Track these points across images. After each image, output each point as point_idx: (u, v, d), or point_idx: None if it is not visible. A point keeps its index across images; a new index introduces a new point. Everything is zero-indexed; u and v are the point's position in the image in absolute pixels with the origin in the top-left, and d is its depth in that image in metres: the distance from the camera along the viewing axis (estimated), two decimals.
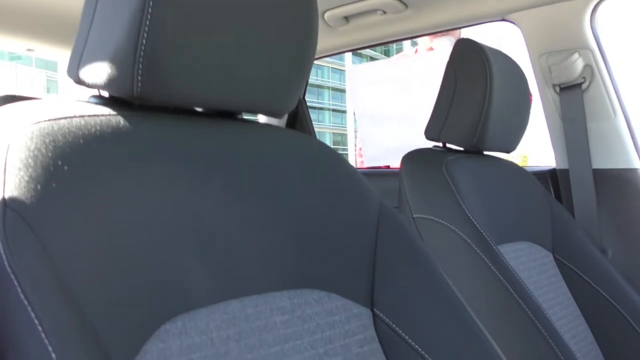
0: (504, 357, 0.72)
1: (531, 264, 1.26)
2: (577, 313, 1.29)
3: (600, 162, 1.44)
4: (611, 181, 1.43)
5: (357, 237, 0.73)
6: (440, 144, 1.28)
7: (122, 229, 0.51)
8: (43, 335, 0.39)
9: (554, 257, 1.34)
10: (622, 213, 1.42)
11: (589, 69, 1.42)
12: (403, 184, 1.19)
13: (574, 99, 1.45)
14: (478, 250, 1.06)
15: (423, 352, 0.70)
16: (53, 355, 0.39)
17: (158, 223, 0.54)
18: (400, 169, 1.22)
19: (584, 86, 1.44)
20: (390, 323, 0.71)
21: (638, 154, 1.42)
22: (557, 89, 1.48)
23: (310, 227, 0.69)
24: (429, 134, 1.26)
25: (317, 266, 0.68)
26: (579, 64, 1.42)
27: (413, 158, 1.22)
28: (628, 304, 1.28)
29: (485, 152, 1.34)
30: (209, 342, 0.55)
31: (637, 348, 1.24)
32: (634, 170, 1.42)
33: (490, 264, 1.05)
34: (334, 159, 0.76)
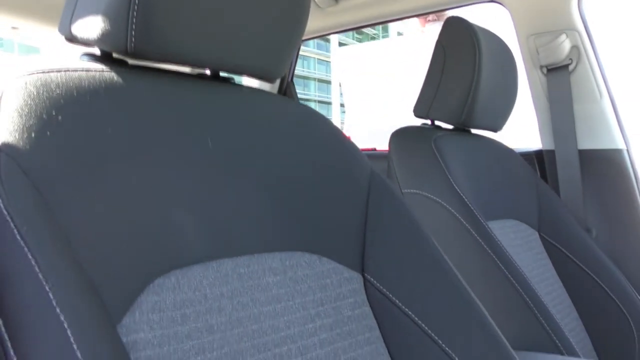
0: (492, 322, 0.73)
1: (517, 242, 1.28)
2: (561, 290, 1.31)
3: (586, 143, 1.46)
4: (596, 162, 1.45)
5: (348, 203, 0.73)
6: (429, 122, 1.29)
7: (116, 183, 0.51)
8: (40, 275, 0.39)
9: (540, 235, 1.36)
10: (607, 193, 1.44)
11: (576, 51, 1.43)
12: (392, 160, 1.20)
13: (561, 80, 1.46)
14: (467, 225, 1.07)
15: (413, 316, 0.71)
16: (50, 295, 0.39)
17: (151, 179, 0.54)
18: (389, 144, 1.22)
19: (570, 67, 1.45)
20: (381, 287, 0.72)
21: (623, 135, 1.44)
22: (545, 70, 1.49)
23: (302, 191, 0.69)
24: (418, 111, 1.26)
25: (308, 230, 0.68)
26: (566, 45, 1.43)
27: (402, 134, 1.22)
28: (611, 281, 1.30)
29: (473, 131, 1.35)
30: (203, 298, 0.55)
31: (618, 322, 1.26)
32: (618, 150, 1.43)
33: (479, 239, 1.06)
34: (326, 127, 0.76)
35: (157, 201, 0.54)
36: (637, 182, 1.43)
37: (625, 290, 1.29)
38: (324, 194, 0.71)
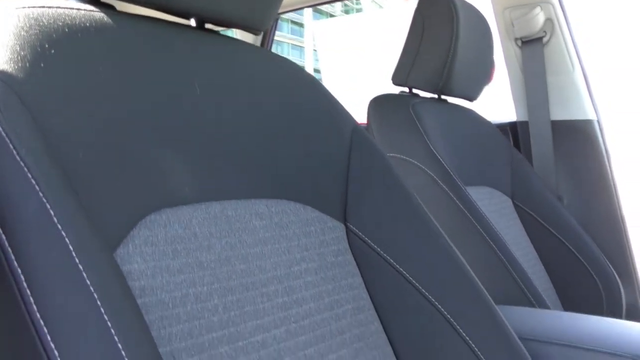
0: (471, 272, 0.76)
1: (492, 207, 1.31)
2: (533, 254, 1.35)
3: (558, 113, 1.50)
4: (568, 132, 1.49)
5: (331, 155, 0.75)
6: (407, 90, 1.31)
7: (107, 119, 0.52)
8: (41, 194, 0.40)
9: (513, 202, 1.40)
10: (578, 162, 1.48)
11: (550, 23, 1.47)
12: (371, 126, 1.22)
13: (535, 52, 1.50)
14: (446, 188, 1.10)
15: (394, 263, 0.73)
16: (51, 212, 0.40)
17: (142, 119, 0.55)
18: (367, 112, 1.24)
19: (544, 40, 1.49)
20: (363, 236, 0.74)
21: (593, 106, 1.48)
22: (519, 42, 1.52)
23: (285, 141, 0.70)
24: (396, 79, 1.29)
25: (293, 179, 0.70)
26: (540, 18, 1.46)
27: (381, 101, 1.24)
28: (581, 247, 1.34)
29: (450, 101, 1.38)
30: (193, 235, 0.57)
31: (588, 286, 1.31)
32: (589, 121, 1.48)
33: (457, 201, 1.09)
34: (310, 80, 0.77)
35: (148, 140, 0.55)
36: (606, 151, 1.47)
37: (594, 254, 1.34)
38: (307, 145, 0.73)
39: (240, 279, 0.59)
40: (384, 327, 0.72)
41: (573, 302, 1.29)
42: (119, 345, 0.39)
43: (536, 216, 1.37)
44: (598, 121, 1.48)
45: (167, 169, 0.56)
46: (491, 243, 1.06)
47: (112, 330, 0.40)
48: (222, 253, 0.59)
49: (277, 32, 2.08)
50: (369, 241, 0.74)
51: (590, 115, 1.48)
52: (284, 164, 0.69)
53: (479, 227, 1.08)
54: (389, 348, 0.71)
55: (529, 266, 1.28)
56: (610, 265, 1.35)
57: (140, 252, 0.51)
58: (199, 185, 0.59)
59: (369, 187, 0.76)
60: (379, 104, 1.24)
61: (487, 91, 1.49)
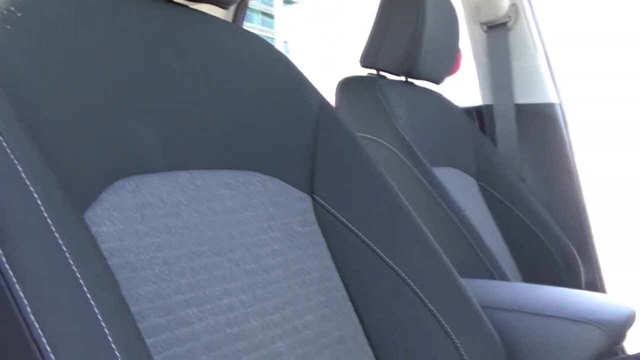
0: (436, 244, 0.78)
1: (457, 188, 1.34)
2: (497, 233, 1.38)
3: (522, 97, 1.54)
4: (531, 115, 1.53)
5: (298, 129, 0.76)
6: (375, 72, 1.33)
7: (78, 86, 0.53)
8: (12, 156, 0.41)
9: (478, 183, 1.43)
10: (540, 144, 1.52)
11: (514, 8, 1.50)
12: (339, 107, 1.23)
13: (500, 37, 1.53)
14: (413, 168, 1.13)
15: (360, 234, 0.75)
16: (19, 167, 0.40)
17: (113, 87, 0.56)
18: (335, 94, 1.26)
19: (509, 25, 1.52)
20: (330, 208, 0.76)
21: (556, 90, 1.52)
22: (485, 27, 1.55)
23: (255, 115, 0.72)
24: (365, 61, 1.30)
25: (260, 151, 0.71)
26: (505, 2, 1.49)
27: (348, 82, 1.26)
28: (543, 226, 1.38)
29: (417, 84, 1.40)
30: (161, 202, 0.58)
31: (549, 264, 1.35)
32: (551, 104, 1.52)
33: (424, 181, 1.12)
34: (279, 56, 0.79)
35: (118, 109, 0.56)
36: (568, 134, 1.52)
37: (555, 233, 1.38)
38: (275, 118, 0.74)
39: (208, 245, 0.60)
40: (349, 296, 0.74)
41: (534, 279, 1.33)
42: (92, 302, 0.40)
43: (500, 197, 1.40)
44: (560, 105, 1.52)
45: (137, 138, 0.57)
46: (455, 220, 1.08)
47: (85, 288, 0.41)
48: (190, 220, 0.60)
49: (247, 24, 2.08)
50: (335, 212, 0.76)
51: (553, 98, 1.52)
52: (252, 136, 0.71)
53: (443, 204, 1.10)
54: (354, 315, 0.73)
55: (492, 244, 1.31)
56: (571, 244, 1.39)
57: (109, 216, 0.52)
58: (168, 155, 0.60)
59: (335, 160, 0.78)
60: (346, 86, 1.26)
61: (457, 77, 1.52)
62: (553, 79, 1.53)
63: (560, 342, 0.77)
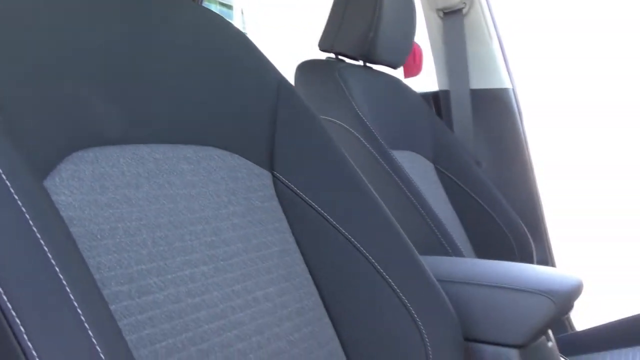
0: (392, 218, 0.80)
1: (414, 171, 1.37)
2: (453, 215, 1.42)
3: (477, 82, 1.57)
4: (486, 100, 1.57)
5: (257, 106, 0.77)
6: (333, 56, 1.34)
7: (35, 59, 0.53)
8: None
9: (435, 167, 1.46)
10: (495, 129, 1.56)
11: None
12: (298, 90, 1.24)
13: (455, 23, 1.56)
14: (371, 149, 1.14)
15: (320, 209, 0.76)
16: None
17: (69, 61, 0.56)
18: (294, 78, 1.27)
19: (464, 11, 1.55)
20: (289, 184, 0.77)
21: (509, 75, 1.57)
22: (441, 13, 1.58)
23: (214, 91, 0.72)
24: (323, 45, 1.31)
25: (219, 127, 0.72)
26: None
27: (307, 66, 1.27)
28: (497, 208, 1.43)
29: (375, 68, 1.42)
30: (120, 174, 0.58)
31: (502, 244, 1.39)
32: (505, 90, 1.56)
33: (382, 162, 1.14)
34: (238, 34, 0.79)
35: (75, 80, 0.56)
36: (521, 118, 1.56)
37: (508, 214, 1.43)
38: (234, 95, 0.74)
39: (169, 217, 0.61)
40: (309, 269, 0.76)
41: (488, 257, 1.37)
42: (52, 261, 0.41)
43: (456, 180, 1.44)
44: (513, 90, 1.57)
45: (94, 110, 0.57)
46: (413, 200, 1.11)
47: (45, 248, 0.41)
48: (150, 192, 0.60)
49: None
50: (295, 188, 0.77)
51: (507, 83, 1.56)
52: (211, 112, 0.71)
53: (402, 185, 1.13)
54: (314, 288, 0.75)
55: (448, 224, 1.34)
56: (523, 225, 1.44)
57: (68, 185, 0.52)
58: (127, 128, 0.60)
59: (294, 137, 0.79)
60: (305, 69, 1.27)
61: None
62: (506, 65, 1.57)
63: (511, 312, 0.80)
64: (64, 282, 0.39)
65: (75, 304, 0.40)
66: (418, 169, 1.38)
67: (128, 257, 0.54)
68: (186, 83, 0.69)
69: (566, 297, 0.82)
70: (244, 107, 0.75)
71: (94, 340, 0.39)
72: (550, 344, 0.88)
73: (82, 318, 0.40)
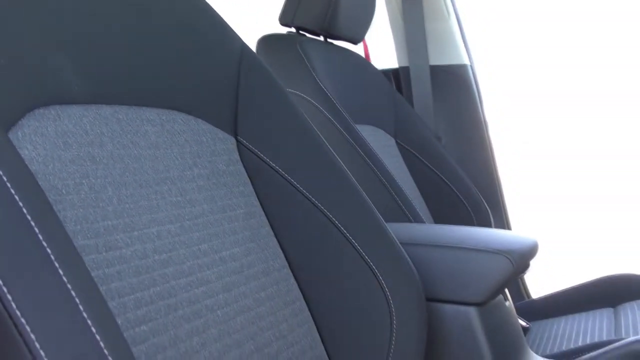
0: (354, 181, 0.81)
1: (376, 145, 1.38)
2: (414, 188, 1.44)
3: (436, 59, 1.60)
4: (445, 76, 1.59)
5: (219, 71, 0.77)
6: (294, 30, 1.34)
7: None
8: None
9: (396, 141, 1.48)
10: (454, 104, 1.60)
11: None
12: None
13: (414, 0, 1.58)
14: (336, 123, 1.16)
15: (284, 173, 0.77)
16: None
17: (33, 23, 0.55)
18: (256, 50, 1.27)
19: None
20: (253, 148, 0.77)
21: (467, 51, 1.60)
22: None
23: (173, 55, 0.72)
24: (283, 19, 1.32)
25: (182, 91, 0.72)
26: None
27: (268, 40, 1.27)
28: (457, 182, 1.46)
29: (335, 44, 1.43)
30: (84, 132, 0.58)
31: (462, 216, 1.43)
32: (463, 66, 1.59)
33: (344, 132, 1.15)
34: (200, 1, 0.79)
35: (38, 38, 0.55)
36: (479, 93, 1.60)
37: (468, 188, 1.46)
38: (197, 60, 0.75)
39: (134, 176, 0.61)
40: (274, 232, 0.77)
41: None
42: (24, 210, 0.41)
43: (416, 153, 1.47)
44: (471, 66, 1.60)
45: (57, 69, 0.57)
46: (375, 170, 1.13)
47: (16, 197, 0.41)
48: (114, 151, 0.60)
49: None
50: (259, 152, 0.77)
51: (465, 60, 1.59)
52: (172, 76, 0.71)
53: (364, 156, 1.14)
54: (280, 250, 0.76)
55: (409, 196, 1.37)
56: (482, 198, 1.48)
57: (30, 140, 0.52)
58: (90, 88, 0.60)
59: (258, 102, 0.80)
60: (266, 43, 1.27)
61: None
62: (465, 41, 1.60)
63: (470, 272, 0.83)
64: (39, 236, 0.40)
65: (48, 249, 0.40)
66: (379, 143, 1.40)
67: (94, 212, 0.54)
68: (148, 47, 0.68)
69: (523, 256, 0.85)
70: (206, 72, 0.76)
71: (72, 293, 0.40)
72: (507, 303, 0.91)
73: (55, 263, 0.40)
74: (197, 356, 0.57)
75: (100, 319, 0.40)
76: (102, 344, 0.39)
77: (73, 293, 0.40)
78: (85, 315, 0.39)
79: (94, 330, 0.39)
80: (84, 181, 0.55)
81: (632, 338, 0.89)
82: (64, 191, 0.53)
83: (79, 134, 0.57)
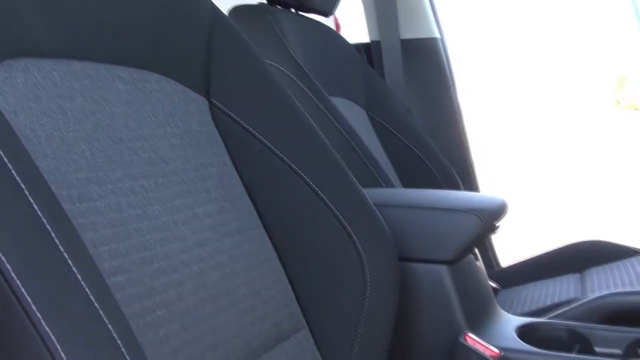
0: (329, 145, 0.82)
1: (348, 116, 1.39)
2: (386, 160, 1.46)
3: (407, 32, 1.61)
4: (416, 50, 1.61)
5: (191, 33, 0.77)
6: (265, 1, 1.34)
7: None
8: None
9: (367, 114, 1.49)
10: (424, 77, 1.61)
11: None
12: None
13: None
14: (309, 93, 1.16)
15: (258, 135, 0.78)
16: None
17: None
18: None
19: None
20: (227, 110, 0.78)
21: (438, 25, 1.61)
22: None
23: (148, 16, 0.71)
24: None
25: (155, 52, 0.72)
26: None
27: (240, 10, 1.26)
28: (428, 154, 1.48)
29: (307, 16, 1.43)
30: (54, 85, 0.57)
31: (433, 185, 1.45)
32: (434, 39, 1.60)
33: (320, 105, 1.16)
34: None
35: None
36: (449, 67, 1.61)
37: (439, 160, 1.48)
38: (166, 20, 0.74)
39: (106, 132, 0.61)
40: (248, 193, 0.77)
41: None
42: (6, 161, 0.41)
43: (388, 126, 1.48)
44: (442, 39, 1.61)
45: (27, 21, 0.56)
46: (347, 137, 1.14)
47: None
48: (85, 106, 0.60)
49: None
50: (233, 115, 0.78)
51: (435, 33, 1.60)
52: (147, 36, 0.71)
53: (338, 125, 1.15)
54: (254, 210, 0.76)
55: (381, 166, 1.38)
56: (453, 170, 1.50)
57: (0, 91, 0.51)
58: (59, 43, 0.60)
59: (230, 64, 0.80)
60: (237, 13, 1.26)
61: None
62: (435, 15, 1.61)
63: (441, 230, 0.84)
64: (21, 185, 0.40)
65: (35, 206, 0.41)
66: (351, 115, 1.41)
67: (66, 164, 0.54)
68: (121, 5, 0.68)
69: (491, 214, 0.87)
70: (179, 34, 0.75)
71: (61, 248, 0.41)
72: (478, 263, 0.93)
73: (47, 226, 0.41)
74: (173, 307, 0.58)
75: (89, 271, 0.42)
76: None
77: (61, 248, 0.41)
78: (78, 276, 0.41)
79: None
80: (55, 133, 0.55)
81: (597, 294, 0.92)
82: (35, 141, 0.52)
83: (49, 87, 0.57)
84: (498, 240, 1.60)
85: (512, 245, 1.72)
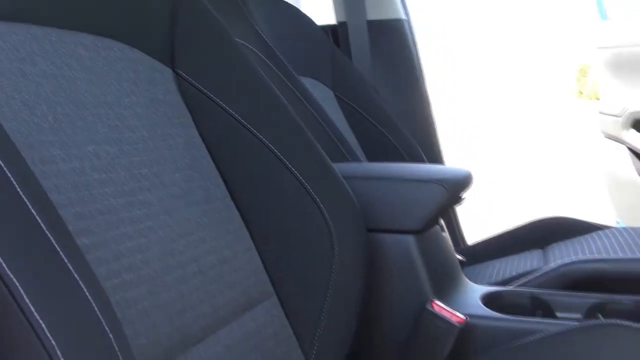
0: (296, 116, 0.82)
1: (315, 96, 1.40)
2: (354, 141, 1.47)
3: (373, 13, 1.62)
4: (382, 31, 1.61)
5: (155, 2, 0.76)
6: None
7: None
8: None
9: (335, 94, 1.50)
10: (391, 58, 1.62)
11: None
12: None
13: None
14: (276, 69, 1.16)
15: (224, 105, 0.77)
16: None
17: None
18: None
19: None
20: (192, 80, 0.77)
21: (404, 6, 1.62)
22: None
23: None
24: None
25: (119, 20, 0.71)
26: None
27: None
28: (396, 134, 1.49)
29: None
30: (13, 48, 0.56)
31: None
32: (400, 20, 1.61)
33: (287, 82, 1.16)
34: None
35: None
36: (416, 48, 1.63)
37: (407, 140, 1.49)
38: None
39: (69, 96, 0.60)
40: (215, 162, 0.77)
41: None
42: None
43: (355, 106, 1.49)
44: (408, 21, 1.62)
45: None
46: (315, 114, 1.14)
47: None
48: (47, 70, 0.59)
49: None
50: (199, 86, 0.77)
51: (401, 14, 1.61)
52: (109, 3, 0.70)
53: (305, 102, 1.16)
54: (221, 180, 0.76)
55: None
56: (420, 150, 1.51)
57: None
58: (18, 5, 0.58)
59: (195, 34, 0.79)
60: None
61: None
62: None
63: (408, 201, 0.85)
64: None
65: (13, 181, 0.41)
66: (319, 95, 1.41)
67: (27, 126, 0.53)
68: None
69: (457, 185, 0.88)
70: (141, 1, 0.74)
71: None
72: (444, 234, 0.95)
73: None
74: (140, 272, 0.57)
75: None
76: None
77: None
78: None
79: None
80: (16, 95, 0.54)
81: (559, 262, 0.95)
82: None
83: (9, 50, 0.55)
84: (465, 220, 1.63)
85: (478, 224, 1.75)
